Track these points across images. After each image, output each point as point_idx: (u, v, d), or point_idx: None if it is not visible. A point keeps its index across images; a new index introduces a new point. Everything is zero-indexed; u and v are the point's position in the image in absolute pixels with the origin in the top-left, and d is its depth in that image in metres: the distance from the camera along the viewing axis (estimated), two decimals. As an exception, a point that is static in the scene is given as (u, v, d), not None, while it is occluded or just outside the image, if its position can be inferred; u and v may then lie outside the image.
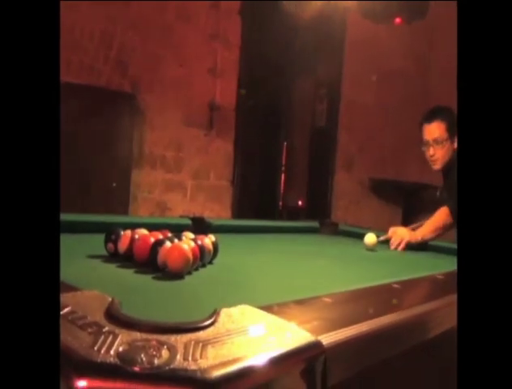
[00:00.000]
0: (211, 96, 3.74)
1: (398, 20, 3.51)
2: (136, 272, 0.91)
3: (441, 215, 1.92)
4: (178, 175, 3.57)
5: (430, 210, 2.06)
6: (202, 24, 3.65)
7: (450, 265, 1.22)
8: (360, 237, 1.74)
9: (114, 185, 3.06)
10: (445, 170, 1.99)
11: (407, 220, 3.73)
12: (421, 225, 1.96)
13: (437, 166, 1.98)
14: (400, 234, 1.83)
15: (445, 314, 0.83)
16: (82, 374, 0.40)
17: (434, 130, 1.94)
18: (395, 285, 0.91)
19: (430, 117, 1.98)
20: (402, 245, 1.80)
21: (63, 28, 3.08)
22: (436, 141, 1.93)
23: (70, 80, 2.97)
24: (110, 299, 0.57)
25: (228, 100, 3.85)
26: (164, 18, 3.42)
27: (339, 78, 4.49)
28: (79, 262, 0.97)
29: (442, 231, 1.93)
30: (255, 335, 0.52)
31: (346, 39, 4.43)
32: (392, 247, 1.80)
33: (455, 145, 1.93)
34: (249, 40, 3.97)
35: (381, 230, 1.90)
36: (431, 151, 1.95)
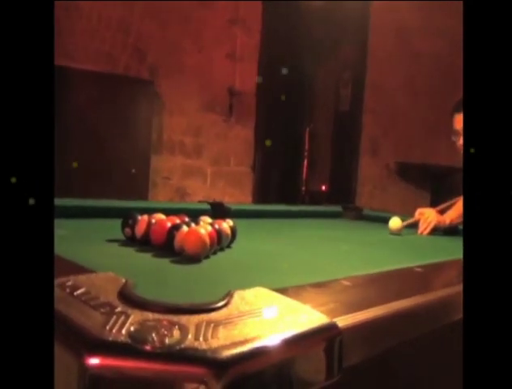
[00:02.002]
0: (230, 82, 3.74)
1: None
2: (152, 256, 0.92)
3: None
4: (197, 161, 3.60)
5: (460, 194, 2.02)
6: (221, 9, 3.64)
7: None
8: (385, 221, 1.72)
9: (133, 171, 3.10)
10: None
11: (436, 205, 3.68)
12: (451, 206, 1.92)
13: None
14: (427, 217, 1.80)
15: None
16: (93, 352, 0.41)
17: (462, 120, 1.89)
18: (418, 269, 0.90)
19: (461, 106, 1.93)
20: (428, 229, 1.77)
21: (81, 16, 3.12)
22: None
23: (87, 68, 3.01)
24: (124, 281, 0.58)
25: (248, 86, 3.83)
26: (182, 4, 3.42)
27: (364, 61, 4.42)
28: (97, 246, 0.99)
29: None
30: (268, 317, 0.53)
31: (370, 20, 4.34)
32: (419, 231, 1.78)
33: None
34: (270, 25, 3.93)
35: (407, 215, 1.88)
36: (461, 140, 1.91)
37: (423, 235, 1.76)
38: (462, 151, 1.95)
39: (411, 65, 4.39)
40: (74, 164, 2.85)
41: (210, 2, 3.56)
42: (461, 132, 1.90)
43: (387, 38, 4.29)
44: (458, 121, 1.91)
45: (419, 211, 1.86)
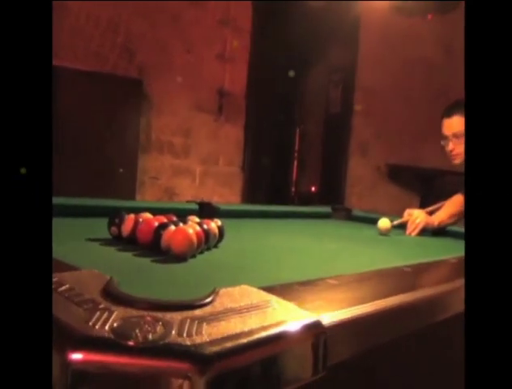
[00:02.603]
0: (220, 82, 3.75)
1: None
2: (138, 255, 0.92)
3: (459, 200, 1.91)
4: (186, 161, 3.60)
5: (449, 197, 2.04)
6: (211, 10, 3.64)
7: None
8: (374, 222, 1.73)
9: (121, 170, 3.09)
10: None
11: (425, 207, 3.71)
12: (439, 208, 1.94)
13: (457, 161, 1.97)
14: (416, 218, 1.82)
15: (454, 298, 0.83)
16: (76, 348, 0.41)
17: (454, 125, 1.92)
18: (406, 269, 0.91)
19: (450, 111, 1.96)
20: (417, 230, 1.78)
21: (69, 14, 3.11)
22: (455, 135, 1.91)
23: (75, 66, 3.00)
24: (108, 278, 0.58)
25: (239, 86, 3.84)
26: (171, 3, 3.42)
27: (354, 63, 4.45)
28: (82, 244, 0.99)
29: (458, 218, 1.91)
30: (253, 314, 0.53)
31: (360, 24, 4.37)
32: (408, 232, 1.79)
33: None
34: (260, 26, 3.94)
35: (396, 216, 1.89)
36: (450, 145, 1.94)
37: (411, 236, 1.78)
38: (451, 156, 1.98)
39: (401, 68, 4.43)
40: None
41: (200, 2, 3.56)
42: (450, 137, 1.93)
43: (377, 40, 4.32)
44: (448, 125, 1.94)
45: (407, 211, 1.88)
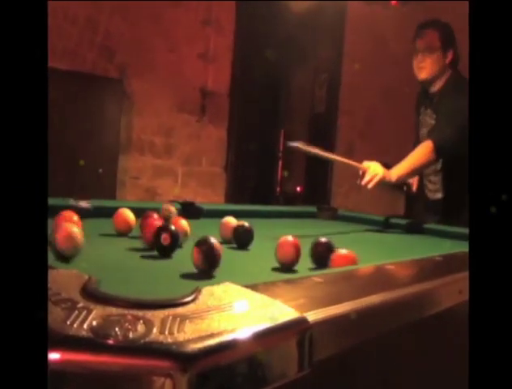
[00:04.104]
0: (202, 82, 3.74)
1: (393, 2, 3.49)
2: (118, 254, 0.91)
3: (422, 152, 1.84)
4: (168, 161, 3.58)
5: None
6: (193, 9, 3.63)
7: (448, 248, 1.23)
8: (360, 221, 1.75)
9: (100, 171, 3.07)
10: (429, 82, 2.02)
11: (410, 208, 3.75)
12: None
13: (423, 75, 1.99)
14: (373, 170, 1.76)
15: (439, 294, 0.84)
16: (53, 347, 0.40)
17: (427, 38, 1.97)
18: (389, 266, 0.92)
19: (425, 24, 2.02)
20: (373, 183, 1.73)
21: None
22: (427, 48, 1.95)
23: (52, 65, 2.96)
24: (87, 277, 0.57)
25: (222, 86, 3.84)
26: (152, 3, 3.40)
27: (339, 63, 4.47)
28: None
29: (421, 170, 1.86)
30: (237, 311, 0.53)
31: (346, 23, 4.39)
32: (363, 183, 1.74)
33: (447, 60, 1.97)
34: (244, 25, 3.95)
35: (382, 216, 1.90)
36: (419, 57, 1.97)
37: (367, 187, 1.73)
38: (417, 69, 1.95)
39: (387, 67, 4.47)
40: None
41: (181, 2, 3.55)
42: (421, 49, 1.95)
43: (363, 40, 4.35)
44: (420, 37, 1.96)
45: (365, 163, 1.82)
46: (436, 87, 2.02)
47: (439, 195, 2.07)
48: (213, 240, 0.85)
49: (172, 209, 1.30)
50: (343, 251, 0.95)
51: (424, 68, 1.96)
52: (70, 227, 0.86)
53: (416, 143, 2.08)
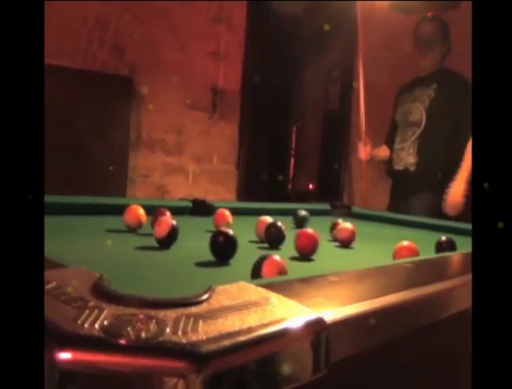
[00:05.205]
0: (213, 80, 3.74)
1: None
2: (130, 252, 0.91)
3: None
4: (179, 159, 3.58)
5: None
6: (204, 7, 3.64)
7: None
8: (374, 219, 1.73)
9: (111, 168, 3.08)
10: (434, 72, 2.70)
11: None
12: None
13: (427, 61, 2.71)
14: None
15: (460, 294, 0.82)
16: (64, 347, 0.40)
17: (427, 29, 2.71)
18: (407, 265, 0.90)
19: (425, 19, 2.75)
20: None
21: (55, 12, 3.08)
22: (428, 39, 2.65)
23: (63, 64, 2.98)
24: (98, 275, 0.57)
25: (233, 84, 3.84)
26: (162, 1, 3.40)
27: (353, 60, 4.44)
28: (74, 242, 0.98)
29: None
30: (252, 311, 0.52)
31: (359, 20, 4.36)
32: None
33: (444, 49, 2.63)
34: (255, 23, 3.94)
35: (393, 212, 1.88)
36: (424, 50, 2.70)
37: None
38: (420, 56, 2.78)
39: (400, 64, 4.43)
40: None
41: (192, 1, 3.55)
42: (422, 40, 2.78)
43: (375, 37, 4.31)
44: (419, 29, 2.85)
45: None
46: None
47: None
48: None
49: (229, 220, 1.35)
50: (405, 243, 1.04)
51: (427, 57, 2.67)
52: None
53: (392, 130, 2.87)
